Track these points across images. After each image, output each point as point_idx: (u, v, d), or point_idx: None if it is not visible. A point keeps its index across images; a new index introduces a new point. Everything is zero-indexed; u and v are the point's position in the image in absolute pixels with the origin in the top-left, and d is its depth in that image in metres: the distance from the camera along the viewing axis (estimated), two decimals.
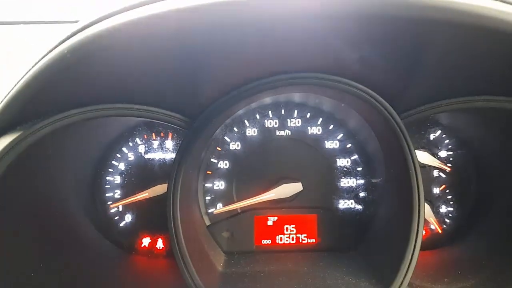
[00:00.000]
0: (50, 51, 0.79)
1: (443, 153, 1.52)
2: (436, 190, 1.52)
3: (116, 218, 1.51)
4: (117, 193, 1.50)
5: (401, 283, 1.10)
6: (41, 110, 0.94)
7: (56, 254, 1.15)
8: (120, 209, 1.51)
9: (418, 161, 1.16)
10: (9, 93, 0.86)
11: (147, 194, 1.46)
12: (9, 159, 0.90)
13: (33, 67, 0.82)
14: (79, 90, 0.95)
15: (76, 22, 0.82)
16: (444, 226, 1.52)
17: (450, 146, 1.52)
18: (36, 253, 1.08)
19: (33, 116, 0.93)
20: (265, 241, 1.48)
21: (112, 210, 1.50)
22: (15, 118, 0.90)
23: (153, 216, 1.48)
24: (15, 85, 0.85)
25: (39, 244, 1.09)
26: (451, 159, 1.52)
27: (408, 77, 1.04)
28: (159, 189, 1.45)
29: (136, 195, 1.47)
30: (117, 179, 1.50)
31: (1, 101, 0.87)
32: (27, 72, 0.83)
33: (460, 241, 1.48)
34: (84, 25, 0.78)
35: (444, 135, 1.52)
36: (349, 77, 1.08)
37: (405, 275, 1.11)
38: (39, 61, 0.81)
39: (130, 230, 1.50)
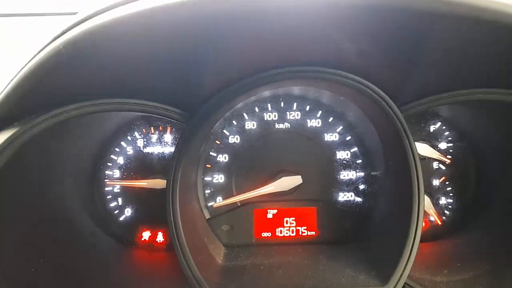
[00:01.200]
0: (46, 46, 0.78)
1: (443, 145, 1.51)
2: (436, 182, 1.52)
3: (115, 212, 1.51)
4: (116, 187, 1.50)
5: (401, 275, 1.11)
6: (39, 105, 0.93)
7: (56, 249, 1.15)
8: (120, 203, 1.51)
9: (418, 153, 1.16)
10: (5, 88, 0.85)
11: (146, 183, 1.45)
12: (7, 155, 0.89)
13: (28, 62, 0.81)
14: (76, 85, 0.94)
15: (74, 14, 0.81)
16: (444, 218, 1.52)
17: (450, 138, 1.51)
18: (35, 248, 1.08)
19: (30, 112, 0.93)
20: (265, 234, 1.48)
21: (112, 204, 1.50)
22: (12, 113, 0.89)
23: (153, 210, 1.48)
24: (12, 80, 0.84)
25: (38, 239, 1.09)
26: (451, 151, 1.51)
27: (408, 70, 1.03)
28: (158, 182, 1.45)
29: (135, 181, 1.47)
30: (116, 173, 1.50)
31: None
32: (23, 67, 0.82)
33: (460, 233, 1.48)
34: (80, 20, 0.77)
35: (444, 127, 1.51)
36: (348, 70, 1.08)
37: (405, 267, 1.11)
38: (34, 56, 0.80)
39: (130, 224, 1.51)
